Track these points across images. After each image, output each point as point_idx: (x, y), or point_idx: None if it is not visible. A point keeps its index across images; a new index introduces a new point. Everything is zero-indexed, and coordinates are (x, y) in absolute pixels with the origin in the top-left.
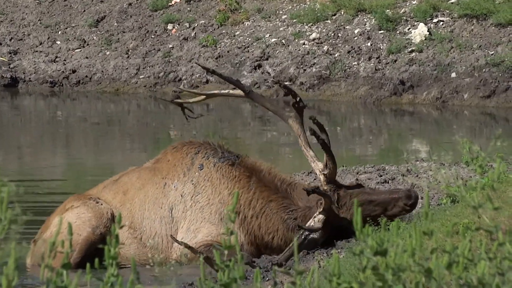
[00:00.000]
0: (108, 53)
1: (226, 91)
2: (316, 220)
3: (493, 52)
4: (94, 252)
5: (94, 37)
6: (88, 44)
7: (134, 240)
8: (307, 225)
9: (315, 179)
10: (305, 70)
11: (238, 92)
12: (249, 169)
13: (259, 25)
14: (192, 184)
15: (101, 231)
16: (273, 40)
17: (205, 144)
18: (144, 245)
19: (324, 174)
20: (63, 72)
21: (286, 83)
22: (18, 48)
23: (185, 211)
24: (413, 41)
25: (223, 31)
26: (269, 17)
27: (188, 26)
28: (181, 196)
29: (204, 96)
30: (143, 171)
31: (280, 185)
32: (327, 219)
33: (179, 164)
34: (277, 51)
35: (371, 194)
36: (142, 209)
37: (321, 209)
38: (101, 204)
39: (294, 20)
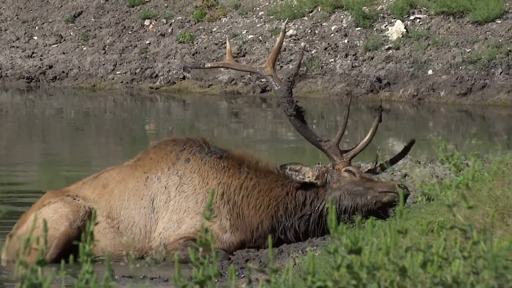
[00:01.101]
0: (85, 48)
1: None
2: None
3: (469, 49)
4: (70, 248)
5: (71, 33)
6: (65, 40)
7: (111, 230)
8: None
9: None
10: (281, 66)
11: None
12: (239, 159)
13: (236, 21)
14: (178, 176)
15: (78, 225)
16: (250, 36)
17: (189, 141)
18: (121, 235)
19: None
20: (39, 67)
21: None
22: None
23: (168, 201)
24: (390, 38)
25: (200, 27)
26: (246, 13)
27: (165, 22)
28: (165, 187)
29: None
30: (124, 167)
31: (274, 168)
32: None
33: (163, 160)
34: (254, 48)
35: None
36: (121, 200)
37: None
38: (79, 200)
39: (271, 17)
